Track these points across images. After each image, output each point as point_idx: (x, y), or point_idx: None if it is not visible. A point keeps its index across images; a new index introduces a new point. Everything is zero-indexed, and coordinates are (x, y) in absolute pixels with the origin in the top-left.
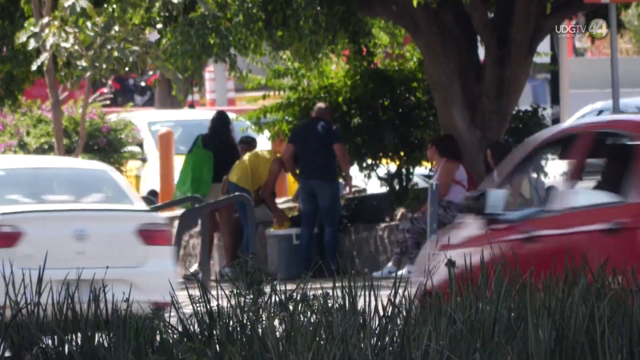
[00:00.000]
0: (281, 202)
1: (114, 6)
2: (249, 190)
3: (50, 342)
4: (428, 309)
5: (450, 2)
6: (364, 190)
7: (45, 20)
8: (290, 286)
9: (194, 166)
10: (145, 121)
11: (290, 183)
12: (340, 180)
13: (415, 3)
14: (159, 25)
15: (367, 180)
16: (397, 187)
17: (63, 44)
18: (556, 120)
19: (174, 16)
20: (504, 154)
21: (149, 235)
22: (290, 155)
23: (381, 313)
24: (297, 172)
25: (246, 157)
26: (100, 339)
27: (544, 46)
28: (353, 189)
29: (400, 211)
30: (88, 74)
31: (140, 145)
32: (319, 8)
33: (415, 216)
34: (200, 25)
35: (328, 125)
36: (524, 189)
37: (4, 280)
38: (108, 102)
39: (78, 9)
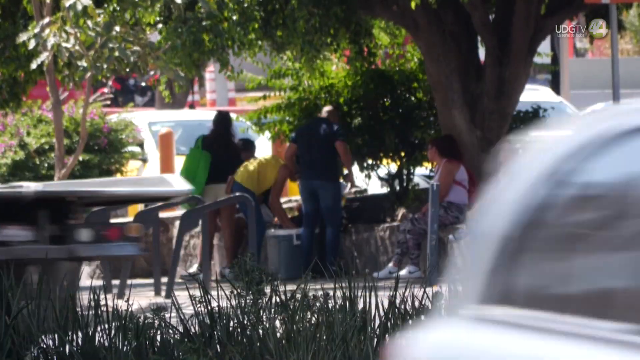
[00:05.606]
0: (282, 201)
1: (115, 6)
2: (253, 192)
3: (50, 342)
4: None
5: (450, 2)
6: (365, 190)
7: (46, 20)
8: (291, 287)
9: (188, 167)
10: (145, 121)
11: (289, 183)
12: (341, 180)
13: (413, 5)
14: (160, 25)
15: (367, 180)
16: (397, 188)
17: (64, 44)
18: None
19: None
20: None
21: None
22: (292, 155)
23: (381, 314)
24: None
25: (254, 163)
26: (101, 339)
27: (545, 46)
28: (353, 189)
29: (400, 212)
30: (89, 74)
31: (141, 145)
32: (315, 10)
33: (416, 217)
34: (194, 22)
35: (330, 125)
36: None
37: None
38: (108, 102)
39: (79, 8)
